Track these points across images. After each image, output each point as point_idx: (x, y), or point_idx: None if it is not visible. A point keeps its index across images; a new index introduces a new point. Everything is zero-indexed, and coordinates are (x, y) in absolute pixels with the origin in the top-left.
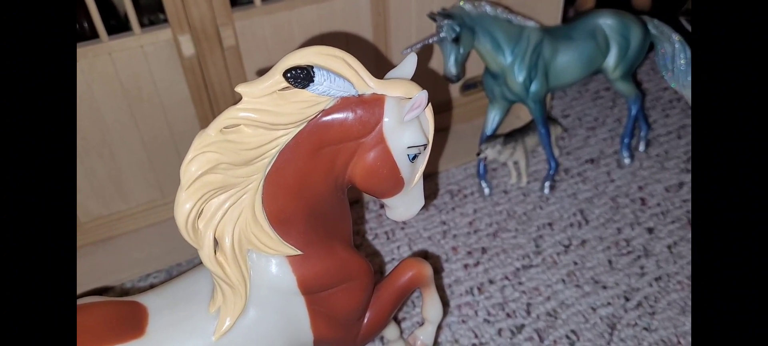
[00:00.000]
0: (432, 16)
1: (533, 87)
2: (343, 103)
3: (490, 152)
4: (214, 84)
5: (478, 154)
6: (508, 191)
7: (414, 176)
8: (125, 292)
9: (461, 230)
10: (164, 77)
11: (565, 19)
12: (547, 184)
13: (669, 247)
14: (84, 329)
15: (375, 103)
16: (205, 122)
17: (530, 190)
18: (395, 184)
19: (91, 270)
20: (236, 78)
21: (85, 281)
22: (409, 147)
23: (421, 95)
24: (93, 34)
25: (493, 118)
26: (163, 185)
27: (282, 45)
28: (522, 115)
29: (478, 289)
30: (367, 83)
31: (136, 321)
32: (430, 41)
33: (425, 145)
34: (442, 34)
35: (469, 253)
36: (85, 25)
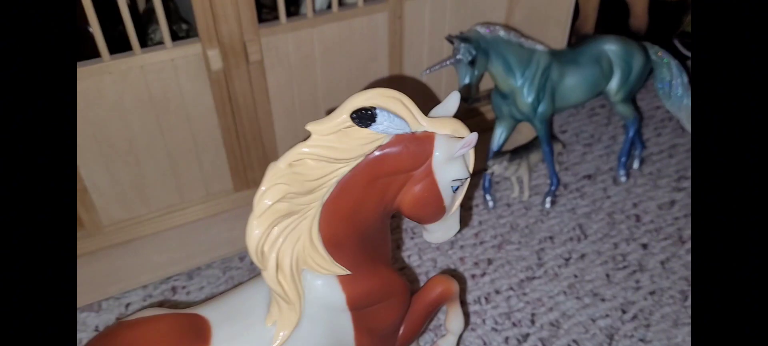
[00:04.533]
0: (450, 39)
1: (541, 108)
2: (398, 140)
3: (497, 168)
4: (238, 96)
5: (485, 170)
6: (510, 204)
7: (454, 204)
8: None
9: (468, 242)
10: (191, 89)
11: (568, 42)
12: (548, 199)
13: (662, 263)
14: (153, 340)
15: (426, 140)
16: (227, 132)
17: (531, 203)
18: (438, 212)
19: (112, 272)
20: (259, 91)
21: (106, 282)
22: (453, 180)
23: (473, 136)
24: (125, 46)
25: (500, 135)
26: (183, 190)
27: (303, 60)
28: (523, 130)
29: (485, 298)
30: (419, 122)
31: (201, 333)
32: (448, 63)
33: (467, 178)
34: (459, 56)
35: (476, 263)
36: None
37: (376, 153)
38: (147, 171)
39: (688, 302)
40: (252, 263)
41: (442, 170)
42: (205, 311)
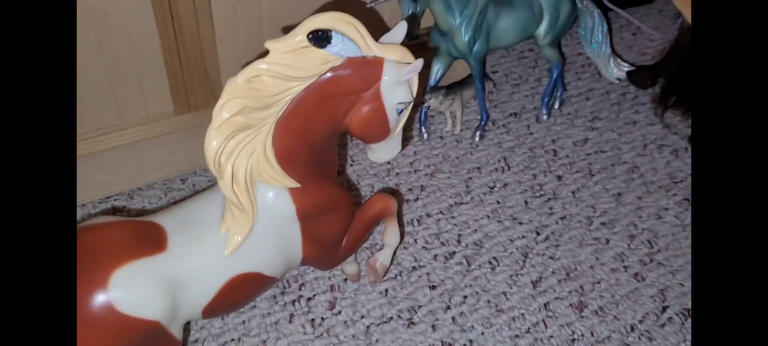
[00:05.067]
0: None
1: (476, 47)
2: (349, 62)
3: (433, 102)
4: (181, 17)
5: (423, 103)
6: (443, 136)
7: (397, 126)
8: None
9: (403, 169)
10: (132, 6)
11: None
12: (477, 133)
13: (573, 192)
14: (112, 243)
15: (375, 64)
16: (168, 53)
17: (462, 137)
18: (383, 132)
19: None
20: (202, 13)
21: None
22: (398, 103)
23: (419, 62)
24: None
25: (437, 71)
26: (122, 110)
27: None
28: (458, 68)
29: (417, 221)
30: (370, 47)
31: (158, 238)
32: None
33: (411, 102)
34: None
35: (410, 189)
36: None
37: (329, 74)
38: (84, 88)
39: (593, 226)
40: (194, 184)
41: (389, 93)
42: (160, 219)
